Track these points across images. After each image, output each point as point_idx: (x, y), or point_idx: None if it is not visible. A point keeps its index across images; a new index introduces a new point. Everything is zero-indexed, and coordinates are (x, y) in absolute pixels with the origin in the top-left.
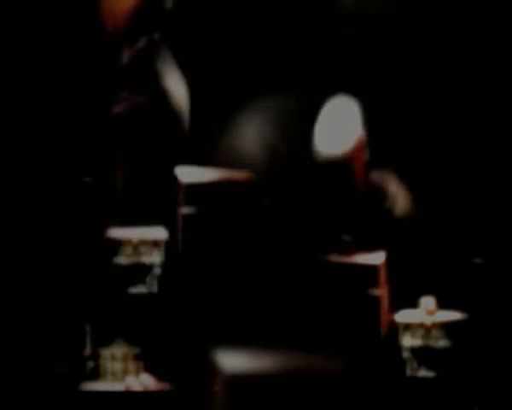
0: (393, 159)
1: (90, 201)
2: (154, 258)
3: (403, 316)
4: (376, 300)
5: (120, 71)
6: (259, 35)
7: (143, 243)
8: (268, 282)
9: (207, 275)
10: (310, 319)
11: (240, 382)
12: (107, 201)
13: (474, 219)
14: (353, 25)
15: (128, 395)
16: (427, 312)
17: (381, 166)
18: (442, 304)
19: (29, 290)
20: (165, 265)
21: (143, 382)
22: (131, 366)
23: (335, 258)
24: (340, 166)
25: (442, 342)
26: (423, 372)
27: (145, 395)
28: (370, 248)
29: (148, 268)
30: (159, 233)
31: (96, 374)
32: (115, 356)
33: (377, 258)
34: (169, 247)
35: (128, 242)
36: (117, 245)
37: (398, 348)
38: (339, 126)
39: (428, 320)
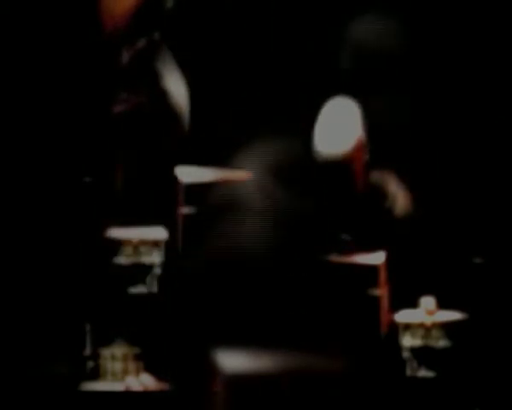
0: (393, 159)
1: (90, 201)
2: (154, 258)
3: (403, 316)
4: (376, 300)
5: (120, 71)
6: (259, 35)
7: (143, 243)
8: (268, 282)
9: (207, 275)
10: (310, 319)
11: (240, 382)
12: (107, 201)
13: (474, 219)
14: (353, 25)
15: (128, 395)
16: (427, 312)
17: (381, 166)
18: (442, 304)
19: (29, 290)
20: (165, 265)
21: (143, 382)
22: (131, 366)
23: (335, 258)
24: (340, 166)
25: (442, 342)
26: (423, 372)
27: (145, 395)
28: (370, 248)
29: (148, 268)
30: (159, 233)
31: (96, 374)
32: (115, 356)
33: (377, 258)
34: (169, 247)
35: (128, 242)
36: (117, 245)
37: (398, 348)
38: (339, 127)
39: (428, 320)
